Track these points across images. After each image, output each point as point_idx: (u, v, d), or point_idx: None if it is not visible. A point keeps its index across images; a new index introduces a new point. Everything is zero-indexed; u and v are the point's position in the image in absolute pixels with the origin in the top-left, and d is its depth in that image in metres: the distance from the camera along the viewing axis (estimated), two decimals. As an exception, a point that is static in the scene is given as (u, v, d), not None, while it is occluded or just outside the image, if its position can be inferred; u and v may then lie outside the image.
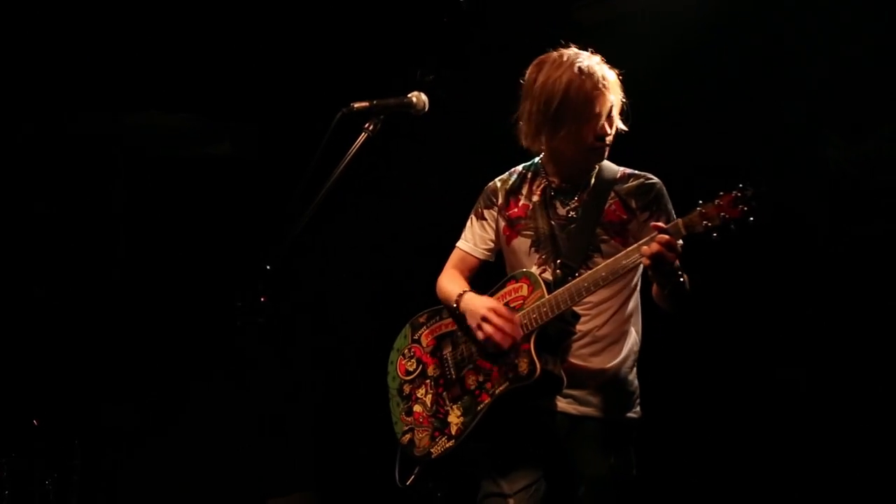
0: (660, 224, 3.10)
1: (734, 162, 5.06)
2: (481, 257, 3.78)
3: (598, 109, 3.40)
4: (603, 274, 3.26)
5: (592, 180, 3.55)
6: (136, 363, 6.21)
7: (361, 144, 3.21)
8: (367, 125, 3.24)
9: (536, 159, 3.70)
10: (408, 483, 3.56)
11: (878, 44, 4.90)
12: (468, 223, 3.82)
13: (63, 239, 6.24)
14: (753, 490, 5.14)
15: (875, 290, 4.88)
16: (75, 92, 6.03)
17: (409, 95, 3.33)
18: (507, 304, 3.49)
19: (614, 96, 3.45)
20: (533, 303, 3.40)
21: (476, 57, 5.64)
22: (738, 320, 5.17)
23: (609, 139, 3.48)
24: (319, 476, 6.02)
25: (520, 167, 3.75)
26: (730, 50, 5.07)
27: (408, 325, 3.82)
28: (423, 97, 3.33)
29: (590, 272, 3.30)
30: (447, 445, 3.51)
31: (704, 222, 2.95)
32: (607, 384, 3.50)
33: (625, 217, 3.47)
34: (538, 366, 3.29)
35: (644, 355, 3.69)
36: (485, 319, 3.43)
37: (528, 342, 3.35)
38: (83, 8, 5.66)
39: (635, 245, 3.21)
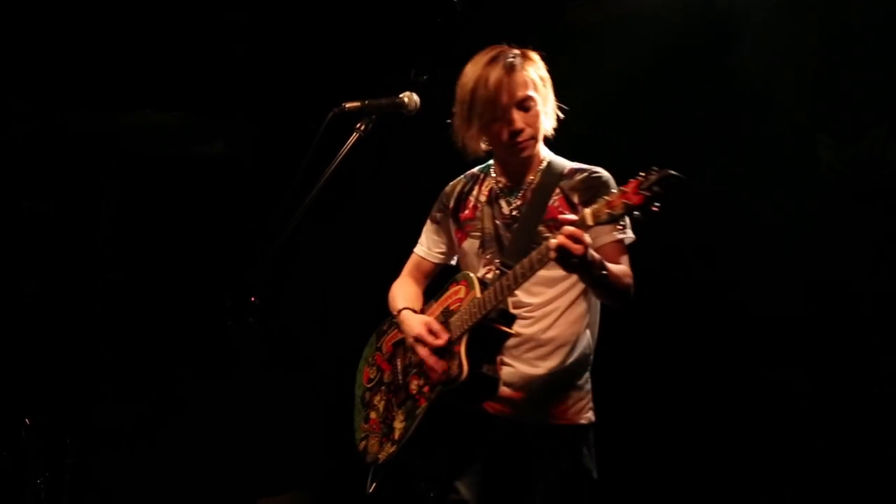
0: (567, 216, 3.02)
1: (731, 162, 5.10)
2: (436, 261, 3.75)
3: (503, 105, 3.35)
4: (520, 271, 3.18)
5: (538, 177, 3.49)
6: (128, 362, 6.21)
7: (353, 144, 3.20)
8: (358, 125, 3.23)
9: (491, 161, 3.66)
10: (370, 491, 3.51)
11: (870, 45, 4.91)
12: (424, 228, 3.80)
13: (55, 238, 6.23)
14: (722, 492, 5.15)
15: (870, 291, 4.90)
16: (69, 91, 6.02)
17: (401, 95, 3.33)
18: (447, 308, 3.45)
19: (532, 92, 3.39)
20: (467, 304, 3.36)
21: (470, 57, 5.63)
22: (716, 321, 5.19)
23: (524, 136, 3.40)
24: (311, 476, 6.02)
25: (475, 169, 3.71)
26: (722, 51, 5.07)
27: (374, 334, 3.80)
28: (415, 97, 3.33)
29: (511, 270, 3.23)
30: (391, 451, 3.47)
31: (608, 211, 2.84)
32: (556, 389, 3.42)
33: (567, 213, 3.30)
34: (465, 367, 3.22)
35: (611, 358, 3.66)
36: (417, 340, 3.41)
37: (460, 344, 3.29)
38: (76, 7, 5.65)
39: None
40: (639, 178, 2.76)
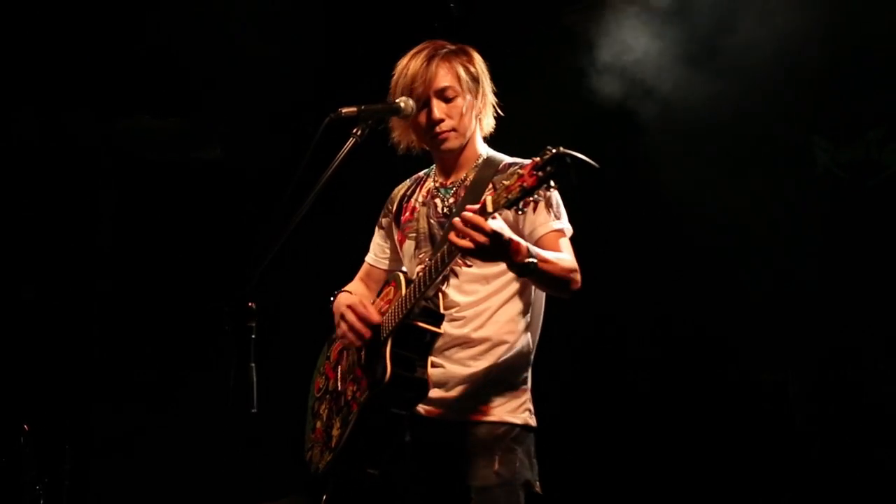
0: (469, 207, 2.87)
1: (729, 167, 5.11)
2: (383, 267, 3.70)
3: (419, 93, 3.32)
4: (432, 266, 3.08)
5: (473, 174, 3.43)
6: (126, 368, 6.20)
7: (349, 150, 3.20)
8: (355, 130, 3.22)
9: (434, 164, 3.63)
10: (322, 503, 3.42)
11: (867, 48, 4.92)
12: (374, 235, 3.76)
13: (53, 243, 6.23)
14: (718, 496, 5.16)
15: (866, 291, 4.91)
16: (65, 96, 6.02)
17: (398, 100, 3.32)
18: (380, 311, 3.34)
19: (453, 84, 3.35)
20: (394, 304, 3.28)
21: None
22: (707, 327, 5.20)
23: (444, 126, 3.35)
24: (309, 481, 6.02)
25: (421, 172, 3.68)
26: (720, 55, 5.08)
27: (325, 342, 3.72)
28: (411, 102, 3.32)
29: (428, 264, 3.15)
30: (328, 459, 3.39)
31: (506, 195, 2.71)
32: (489, 389, 3.30)
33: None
34: (389, 369, 3.12)
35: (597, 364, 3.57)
36: (342, 317, 3.32)
37: (386, 345, 3.19)
38: (73, 13, 5.65)
39: None
40: (534, 159, 2.67)
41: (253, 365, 3.02)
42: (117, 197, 6.38)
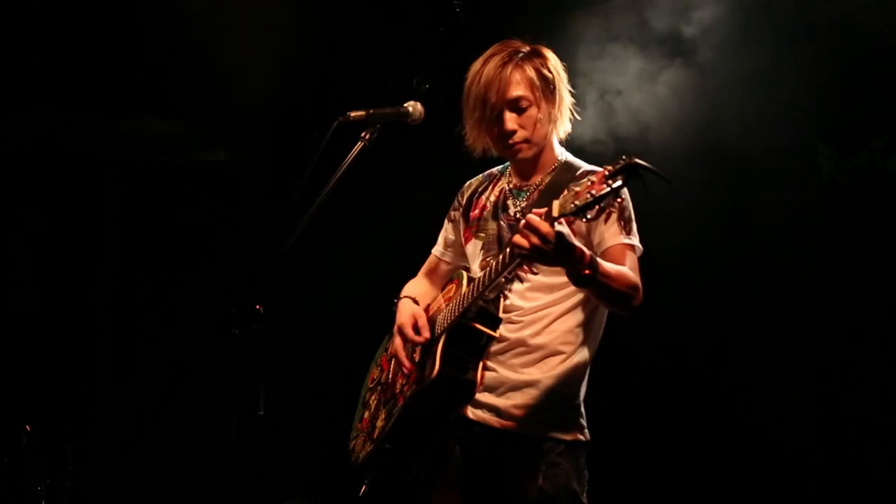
0: (536, 210, 2.82)
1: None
2: (450, 261, 3.65)
3: (491, 103, 3.24)
4: (494, 267, 3.04)
5: (548, 179, 3.35)
6: (129, 369, 6.20)
7: (358, 153, 3.20)
8: (363, 134, 3.23)
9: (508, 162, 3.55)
10: (360, 494, 3.39)
11: (871, 56, 4.92)
12: (443, 227, 3.69)
13: (57, 245, 6.23)
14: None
15: (869, 299, 4.91)
16: (70, 98, 6.03)
17: (406, 105, 3.32)
18: (440, 306, 3.34)
19: (526, 92, 3.26)
20: (453, 302, 3.25)
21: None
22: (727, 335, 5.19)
23: (516, 138, 3.28)
24: (313, 483, 6.02)
25: (495, 169, 3.60)
26: (723, 61, 5.08)
27: (386, 335, 3.68)
28: (420, 106, 3.32)
29: (489, 265, 3.10)
30: (368, 450, 3.37)
31: (574, 202, 2.65)
32: (541, 399, 3.22)
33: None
34: (437, 367, 3.10)
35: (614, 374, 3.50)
36: (400, 329, 3.33)
37: (438, 343, 3.18)
38: (78, 15, 5.65)
39: None
40: (607, 167, 2.63)
41: (260, 367, 3.02)
42: (122, 198, 6.37)
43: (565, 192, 2.73)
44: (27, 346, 6.12)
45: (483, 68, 3.29)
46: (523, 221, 2.78)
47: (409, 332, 3.28)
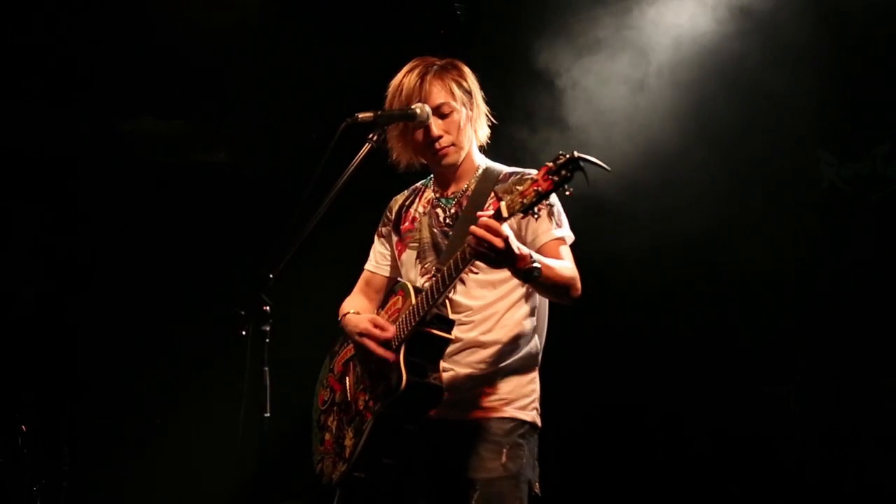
0: (484, 211, 2.94)
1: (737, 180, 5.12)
2: (385, 275, 3.71)
3: (418, 110, 3.33)
4: (446, 272, 3.13)
5: (473, 184, 3.47)
6: (128, 369, 6.18)
7: (365, 155, 3.20)
8: (370, 136, 3.23)
9: (432, 174, 3.64)
10: None
11: (871, 64, 4.94)
12: (373, 244, 3.77)
13: (55, 244, 6.21)
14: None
15: (869, 306, 4.92)
16: (71, 98, 6.01)
17: (413, 106, 3.32)
18: (388, 320, 3.39)
19: (449, 100, 3.37)
20: (404, 313, 3.32)
21: (473, 69, 5.63)
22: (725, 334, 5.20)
23: (443, 142, 3.38)
24: (310, 486, 6.01)
25: (419, 182, 3.70)
26: (726, 68, 5.09)
27: (327, 355, 3.74)
28: (427, 108, 3.32)
29: (440, 271, 3.18)
30: (342, 469, 3.40)
31: (521, 201, 2.76)
32: (498, 388, 3.34)
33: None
34: (404, 377, 3.16)
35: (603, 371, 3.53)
36: (362, 335, 3.36)
37: (399, 353, 3.23)
38: (79, 15, 5.64)
39: None
40: (547, 164, 2.71)
41: (267, 369, 3.01)
42: (123, 199, 6.35)
43: (499, 194, 2.86)
44: (23, 345, 6.09)
45: (402, 82, 3.40)
46: (476, 226, 2.87)
47: (376, 331, 3.32)
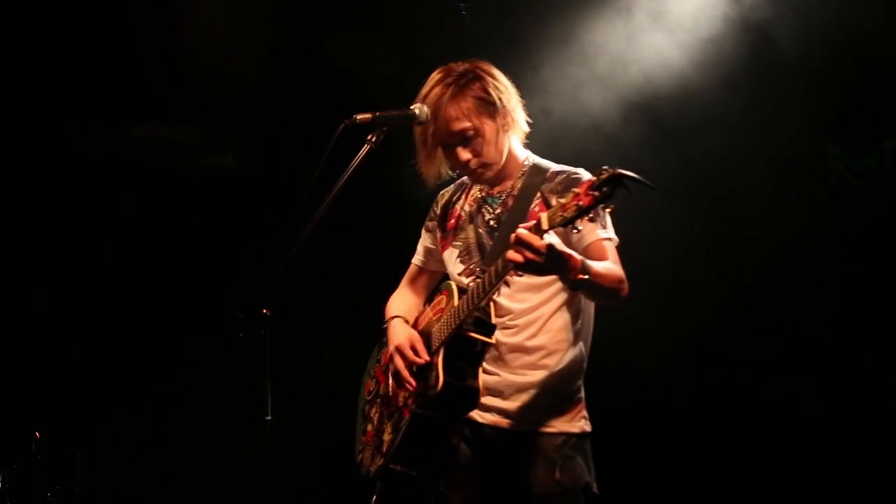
0: (525, 224, 2.89)
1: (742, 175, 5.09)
2: (432, 269, 3.73)
3: (434, 149, 3.37)
4: (487, 279, 3.12)
5: (520, 183, 3.44)
6: (138, 375, 6.19)
7: (364, 156, 3.20)
8: (369, 137, 3.22)
9: None
10: None
11: (882, 56, 4.91)
12: (420, 237, 3.77)
13: (65, 251, 6.22)
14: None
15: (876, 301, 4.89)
16: (78, 103, 6.03)
17: (412, 107, 3.31)
18: (433, 318, 3.42)
19: (468, 122, 3.32)
20: (446, 314, 3.33)
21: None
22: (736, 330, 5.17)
23: (472, 165, 3.37)
24: (320, 488, 6.01)
25: (465, 177, 3.66)
26: (735, 61, 5.06)
27: (376, 346, 3.77)
28: (426, 109, 3.30)
29: (482, 277, 3.18)
30: (379, 463, 3.44)
31: (562, 214, 2.73)
32: (545, 397, 3.34)
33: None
34: (441, 378, 3.19)
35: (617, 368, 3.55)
36: (397, 350, 3.41)
37: (438, 355, 3.26)
38: (86, 19, 5.66)
39: None
40: (591, 178, 2.69)
41: (267, 372, 3.01)
42: (130, 204, 6.37)
43: (547, 199, 2.89)
44: (35, 352, 6.11)
45: (426, 105, 3.34)
46: (514, 236, 2.84)
47: (410, 353, 3.36)
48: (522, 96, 3.47)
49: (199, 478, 6.00)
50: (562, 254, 2.88)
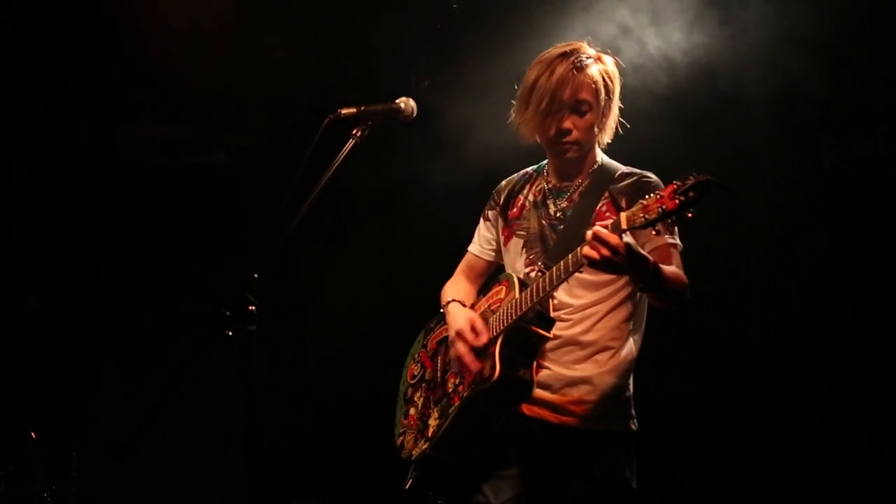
0: (602, 221, 2.97)
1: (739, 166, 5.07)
2: (488, 259, 3.73)
3: (559, 100, 3.33)
4: (556, 273, 3.14)
5: (588, 180, 3.47)
6: (133, 373, 6.19)
7: (349, 151, 3.18)
8: (354, 131, 3.20)
9: (545, 161, 3.63)
10: (406, 487, 3.48)
11: (873, 45, 4.89)
12: (478, 226, 3.77)
13: (58, 251, 6.22)
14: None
15: (870, 289, 4.88)
16: (69, 102, 6.02)
17: (398, 101, 3.28)
18: (488, 308, 3.44)
19: (591, 98, 3.37)
20: (505, 304, 3.34)
21: (470, 63, 5.61)
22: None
23: (570, 138, 3.39)
24: (322, 484, 6.00)
25: (530, 168, 3.70)
26: (728, 52, 5.04)
27: (422, 331, 3.78)
28: (412, 103, 3.29)
29: (550, 271, 3.19)
30: (423, 447, 3.44)
31: (643, 215, 2.76)
32: (592, 393, 3.35)
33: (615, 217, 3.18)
34: (497, 368, 3.20)
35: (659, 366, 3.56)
36: (458, 335, 3.38)
37: (495, 345, 3.27)
38: (75, 18, 5.65)
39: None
40: (675, 182, 2.71)
41: (254, 369, 3.00)
42: (122, 204, 6.36)
43: (614, 198, 3.00)
44: (30, 353, 6.11)
45: (554, 65, 3.37)
46: (591, 233, 2.87)
47: (470, 336, 3.35)
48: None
49: (196, 476, 6.00)
50: (639, 254, 2.91)
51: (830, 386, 4.94)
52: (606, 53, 3.47)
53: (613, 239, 2.84)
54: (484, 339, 3.32)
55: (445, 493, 3.63)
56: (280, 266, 3.03)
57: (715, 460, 5.11)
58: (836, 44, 4.89)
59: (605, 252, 2.84)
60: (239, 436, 3.26)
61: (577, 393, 3.35)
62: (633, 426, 3.43)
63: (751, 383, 5.07)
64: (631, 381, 3.46)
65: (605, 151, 3.56)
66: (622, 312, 3.41)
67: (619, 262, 2.87)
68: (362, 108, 3.20)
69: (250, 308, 2.95)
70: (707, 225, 4.98)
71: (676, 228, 3.31)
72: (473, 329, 3.35)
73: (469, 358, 3.33)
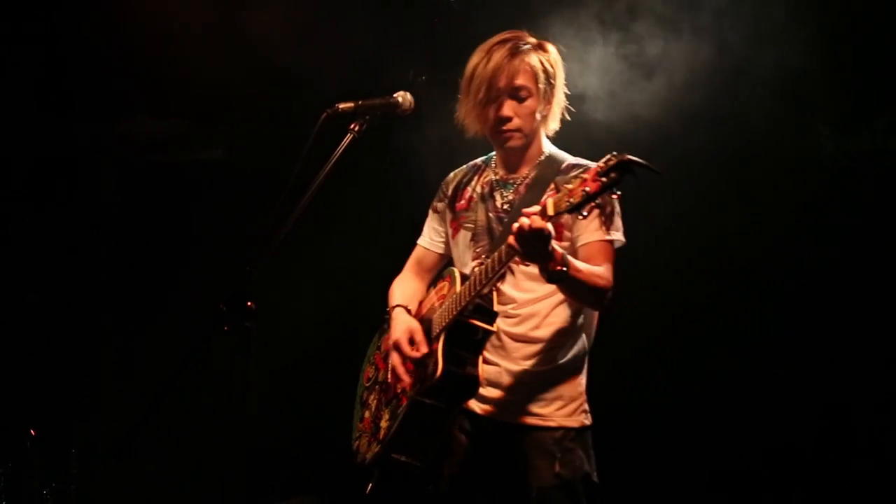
0: (530, 209, 2.90)
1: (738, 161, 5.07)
2: (438, 252, 3.70)
3: (496, 87, 3.30)
4: (490, 265, 3.11)
5: (534, 171, 3.43)
6: (132, 370, 6.19)
7: (347, 145, 3.18)
8: (352, 126, 3.21)
9: (494, 153, 3.60)
10: (367, 492, 3.47)
11: (871, 35, 4.89)
12: (427, 219, 3.75)
13: (56, 246, 6.21)
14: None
15: (870, 282, 4.87)
16: (65, 98, 6.01)
17: (395, 95, 3.31)
18: (433, 305, 3.42)
19: (529, 83, 3.34)
20: (448, 300, 3.31)
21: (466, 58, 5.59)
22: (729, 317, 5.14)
23: (510, 125, 3.36)
24: (319, 480, 6.00)
25: (479, 160, 3.67)
26: (725, 40, 5.03)
27: (377, 332, 3.76)
28: (409, 97, 3.31)
29: (485, 264, 3.16)
30: (376, 450, 3.43)
31: (568, 200, 2.72)
32: (545, 391, 3.34)
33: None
34: (440, 366, 3.17)
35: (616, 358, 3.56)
36: (395, 345, 3.38)
37: (438, 341, 3.25)
38: (70, 16, 5.64)
39: None
40: (598, 164, 2.67)
41: (252, 365, 3.00)
42: (118, 199, 6.36)
43: (558, 188, 2.80)
44: (29, 350, 6.10)
45: (492, 53, 3.34)
46: (518, 222, 2.83)
47: (406, 348, 3.33)
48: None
49: (195, 472, 5.99)
50: (551, 246, 2.88)
51: (830, 386, 4.94)
52: (547, 40, 3.45)
53: (541, 225, 2.81)
54: (420, 352, 3.29)
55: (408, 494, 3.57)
56: (278, 261, 3.03)
57: (715, 460, 5.10)
58: (834, 34, 4.89)
59: (534, 239, 2.82)
60: (237, 432, 3.26)
61: (528, 390, 3.34)
62: (587, 421, 3.42)
63: (751, 383, 5.06)
64: (584, 376, 3.43)
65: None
66: (571, 307, 3.37)
67: (544, 252, 2.87)
68: (360, 102, 3.22)
69: (249, 304, 2.96)
70: (705, 219, 5.08)
71: (618, 222, 3.28)
72: (411, 340, 3.34)
73: (401, 370, 3.33)
